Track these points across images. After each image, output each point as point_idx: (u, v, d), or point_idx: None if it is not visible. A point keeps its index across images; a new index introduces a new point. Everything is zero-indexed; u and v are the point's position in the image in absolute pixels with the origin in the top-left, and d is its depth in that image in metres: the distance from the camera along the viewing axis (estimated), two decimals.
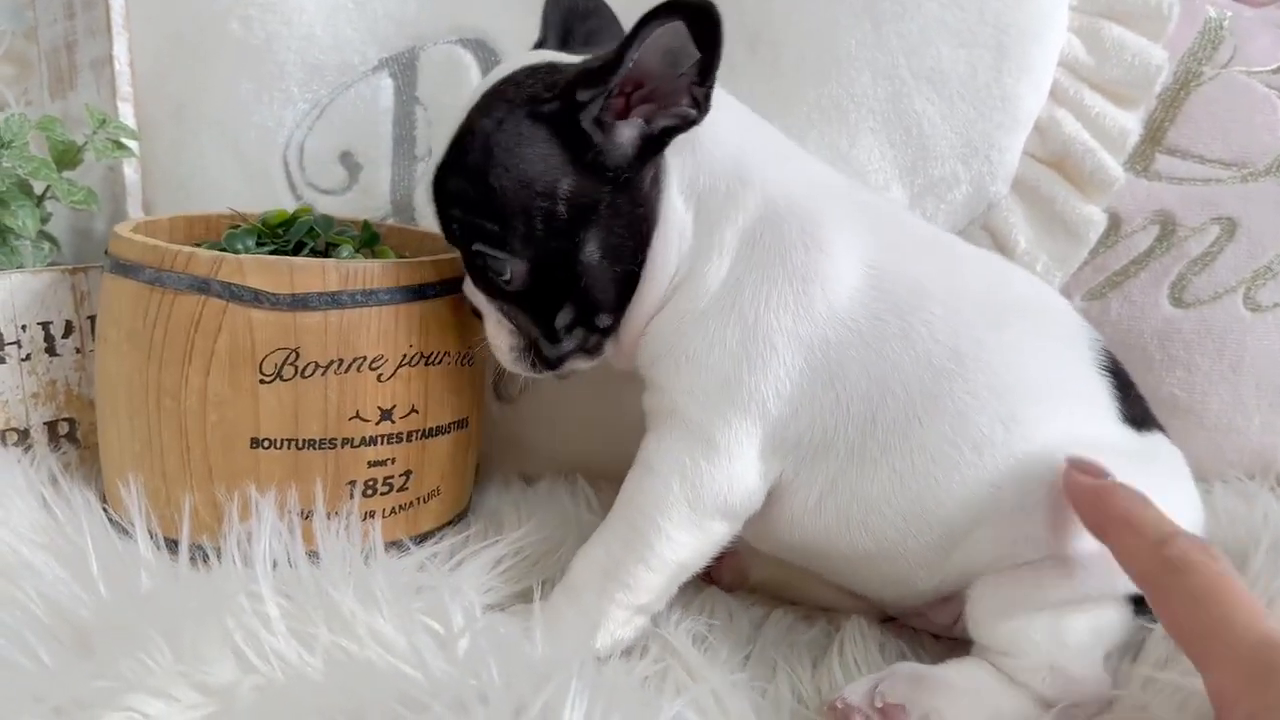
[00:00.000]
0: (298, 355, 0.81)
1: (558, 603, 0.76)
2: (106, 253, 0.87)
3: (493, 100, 0.75)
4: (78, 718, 0.58)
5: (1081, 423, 0.76)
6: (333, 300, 0.81)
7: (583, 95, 0.71)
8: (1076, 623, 0.71)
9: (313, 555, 0.75)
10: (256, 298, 0.80)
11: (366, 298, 0.82)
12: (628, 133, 0.73)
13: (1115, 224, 1.06)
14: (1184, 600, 0.60)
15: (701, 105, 0.73)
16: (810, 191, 0.79)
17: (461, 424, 0.92)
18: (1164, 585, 0.61)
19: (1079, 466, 0.69)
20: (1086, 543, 0.69)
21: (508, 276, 0.76)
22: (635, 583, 0.75)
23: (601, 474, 1.06)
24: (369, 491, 0.86)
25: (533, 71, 0.76)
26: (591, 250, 0.75)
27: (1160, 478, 0.75)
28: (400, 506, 0.88)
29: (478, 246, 0.76)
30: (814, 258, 0.75)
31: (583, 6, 0.87)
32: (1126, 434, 0.78)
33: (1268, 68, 1.09)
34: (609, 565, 0.76)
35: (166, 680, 0.61)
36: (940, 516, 0.74)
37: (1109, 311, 1.06)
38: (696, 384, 0.75)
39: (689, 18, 0.67)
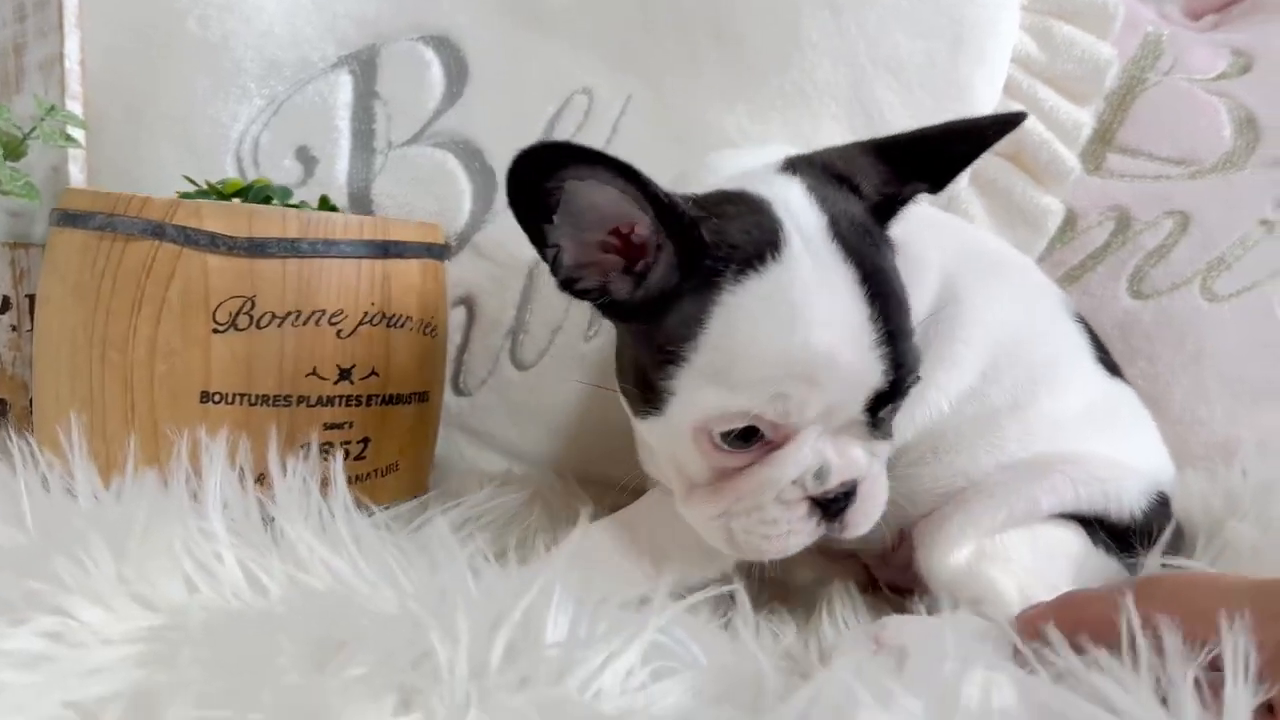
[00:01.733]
0: (253, 304, 0.78)
1: None
2: (53, 211, 0.84)
3: (865, 240, 0.68)
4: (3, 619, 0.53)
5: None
6: (292, 247, 0.79)
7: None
8: (1017, 547, 0.73)
9: (266, 514, 0.70)
10: (213, 241, 0.77)
11: (327, 247, 0.80)
12: None
13: (1071, 220, 1.08)
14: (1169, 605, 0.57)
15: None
16: None
17: (423, 397, 0.89)
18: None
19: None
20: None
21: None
22: None
23: (561, 469, 1.02)
24: (325, 456, 0.81)
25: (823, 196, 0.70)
26: None
27: (1128, 419, 0.83)
28: (357, 476, 0.84)
29: (917, 378, 0.69)
30: None
31: None
32: (1099, 371, 0.83)
33: (1208, 76, 1.13)
34: None
35: (107, 589, 0.56)
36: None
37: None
38: None
39: (991, 135, 0.71)
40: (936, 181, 0.70)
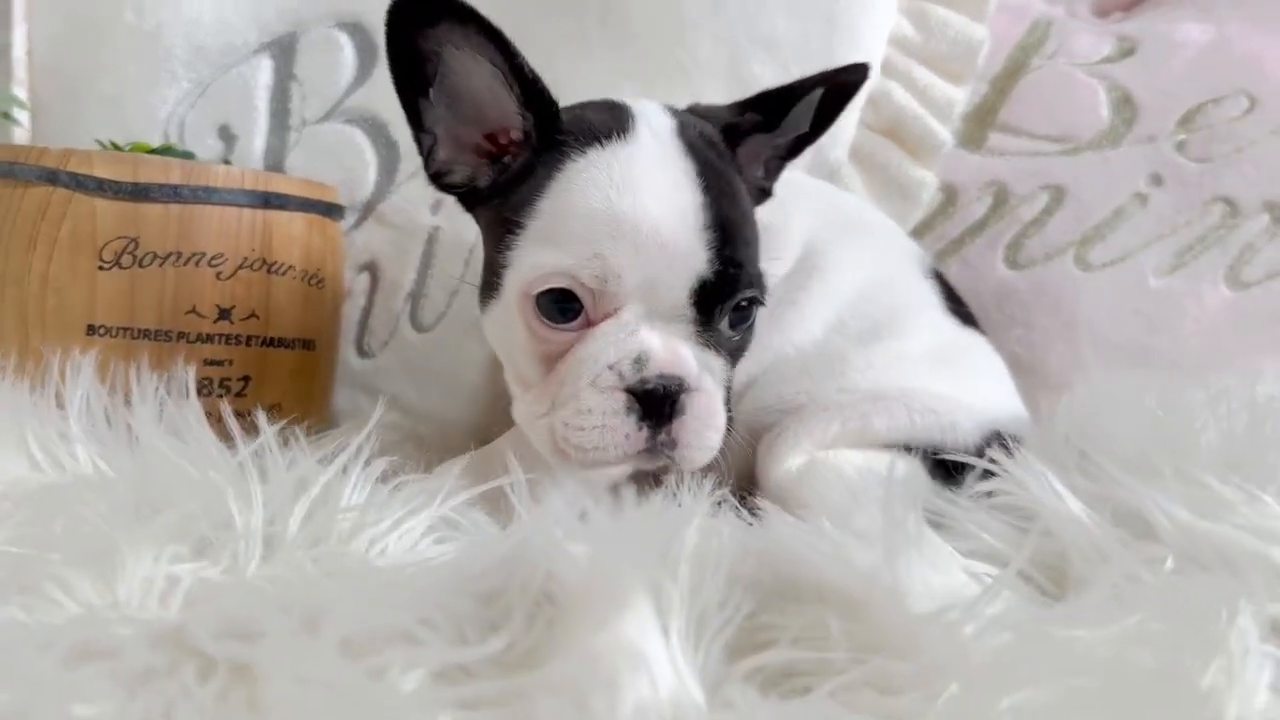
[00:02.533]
0: (137, 245, 0.84)
1: None
2: None
3: (710, 149, 0.73)
4: None
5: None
6: (174, 193, 0.85)
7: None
8: (848, 463, 0.75)
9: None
10: (100, 186, 0.84)
11: (208, 194, 0.86)
12: None
13: (952, 195, 1.13)
14: None
15: (772, 175, 0.79)
16: None
17: (308, 344, 0.94)
18: None
19: None
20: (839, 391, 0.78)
21: (749, 327, 0.74)
22: None
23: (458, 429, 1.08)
24: (204, 391, 0.87)
25: (684, 116, 0.77)
26: None
27: (974, 363, 0.87)
28: (238, 413, 0.89)
29: (752, 293, 0.71)
30: None
31: None
32: (949, 321, 0.87)
33: (1091, 60, 1.18)
34: None
35: None
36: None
37: (949, 272, 1.11)
38: None
39: (835, 87, 0.75)
40: (772, 118, 0.76)
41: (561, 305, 0.67)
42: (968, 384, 0.85)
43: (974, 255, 1.12)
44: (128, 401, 0.77)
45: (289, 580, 0.54)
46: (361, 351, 1.11)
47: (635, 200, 0.65)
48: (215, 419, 0.77)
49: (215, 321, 0.87)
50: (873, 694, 0.43)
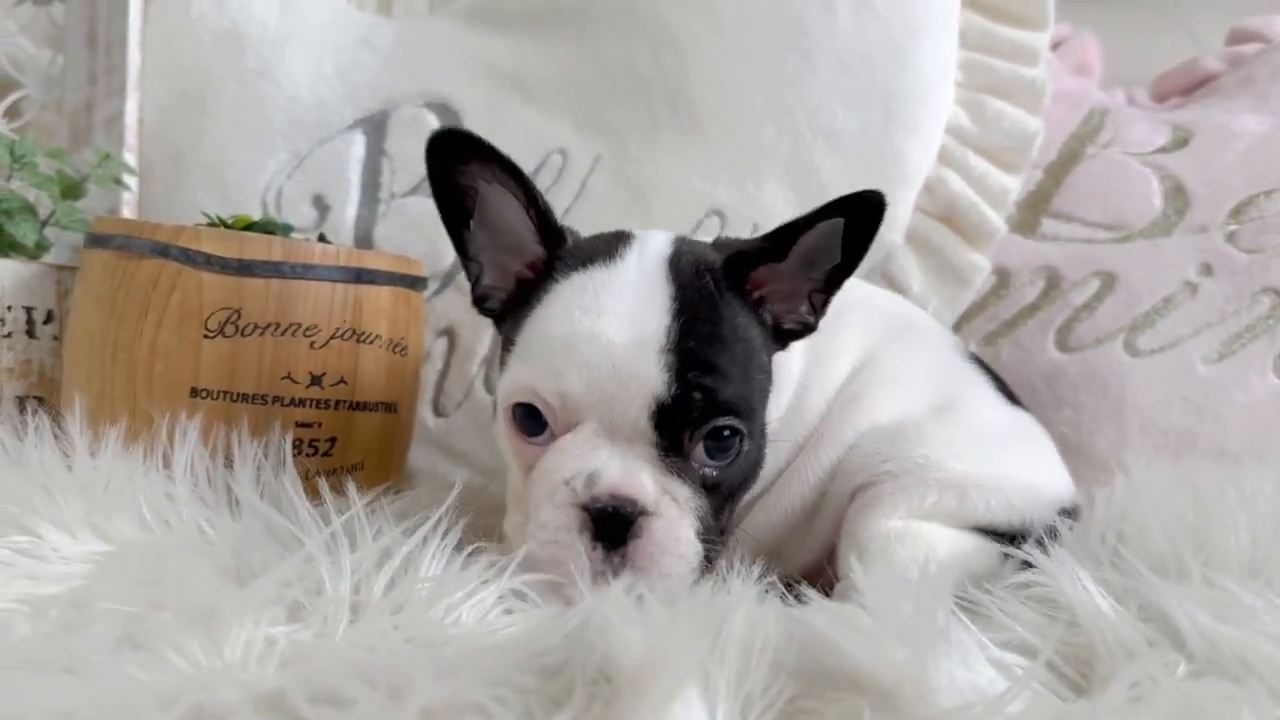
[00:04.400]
0: (239, 315, 0.91)
1: None
2: (86, 235, 0.99)
3: (701, 277, 0.73)
4: None
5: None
6: (275, 269, 0.92)
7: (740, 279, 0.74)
8: (939, 539, 0.78)
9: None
10: (208, 261, 0.91)
11: (306, 270, 0.93)
12: (767, 319, 0.77)
13: (1005, 278, 1.17)
14: None
15: (818, 312, 0.77)
16: None
17: (390, 408, 1.01)
18: None
19: None
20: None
21: (735, 458, 0.72)
22: None
23: None
24: (296, 450, 0.93)
25: (686, 245, 0.77)
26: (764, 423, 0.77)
27: (1032, 441, 0.90)
28: (327, 471, 0.96)
29: (727, 421, 0.70)
30: None
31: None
32: (1001, 398, 0.91)
33: (1145, 150, 1.22)
34: None
35: (72, 521, 0.69)
36: None
37: (1000, 356, 1.15)
38: None
39: (855, 215, 0.71)
40: (781, 248, 0.73)
41: (531, 419, 0.70)
42: (1044, 468, 0.88)
43: (1025, 337, 1.16)
44: (228, 463, 0.85)
45: (374, 646, 0.60)
46: (437, 411, 1.18)
47: (595, 321, 0.68)
48: (304, 477, 0.85)
49: (307, 387, 0.94)
50: None
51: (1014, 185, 1.15)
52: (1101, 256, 1.16)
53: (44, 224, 1.17)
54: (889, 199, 1.04)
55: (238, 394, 0.92)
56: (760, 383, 0.74)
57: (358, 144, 1.24)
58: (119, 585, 0.64)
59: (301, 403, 0.94)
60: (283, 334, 0.93)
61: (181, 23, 1.30)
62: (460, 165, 0.72)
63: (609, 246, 0.74)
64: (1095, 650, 0.60)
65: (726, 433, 0.70)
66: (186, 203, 1.24)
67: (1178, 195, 1.18)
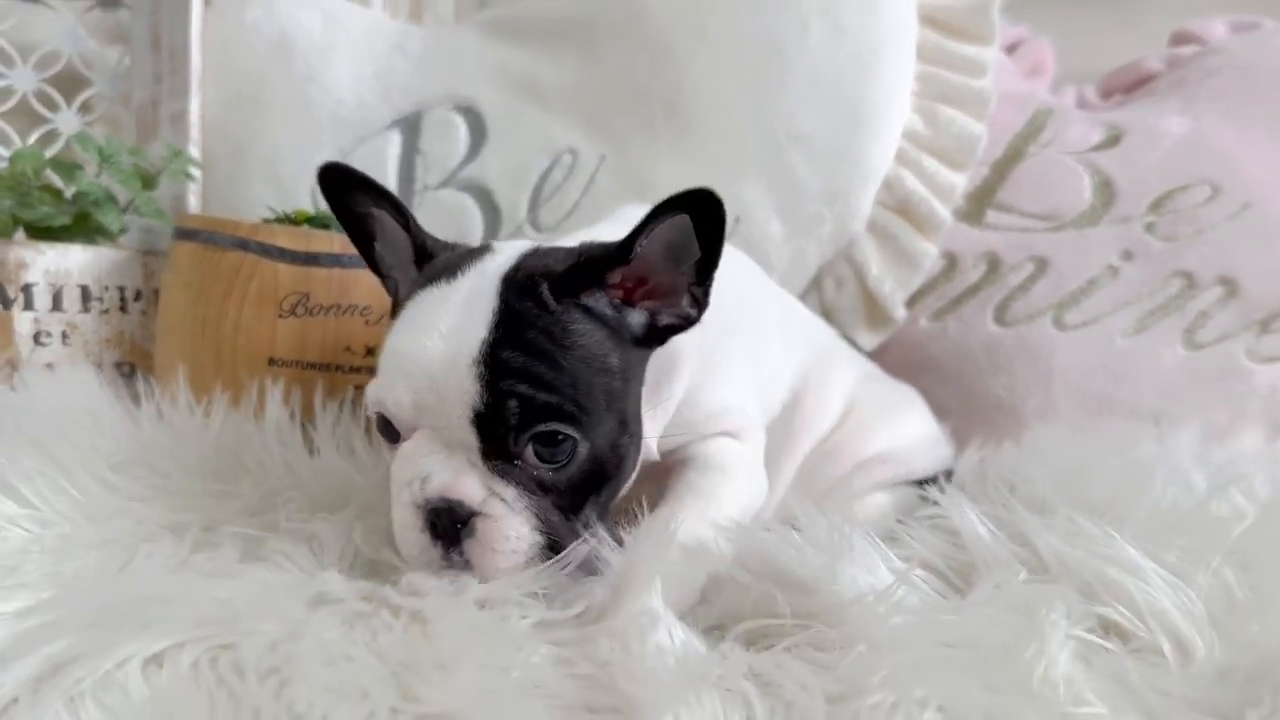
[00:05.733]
0: (308, 299, 1.11)
1: None
2: (175, 229, 1.19)
3: (535, 288, 0.75)
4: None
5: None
6: (336, 260, 1.12)
7: (587, 285, 0.76)
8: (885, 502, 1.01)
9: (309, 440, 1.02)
10: (281, 254, 1.10)
11: (360, 261, 1.12)
12: (637, 318, 0.78)
13: (953, 262, 1.36)
14: None
15: (700, 303, 0.79)
16: None
17: None
18: None
19: None
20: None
21: (569, 459, 0.74)
22: None
23: None
24: (355, 407, 1.13)
25: (534, 257, 0.79)
26: (631, 419, 0.79)
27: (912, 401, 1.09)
28: None
29: (550, 426, 0.73)
30: None
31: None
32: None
33: (1081, 149, 1.40)
34: None
35: (189, 470, 0.89)
36: None
37: (948, 329, 1.35)
38: None
39: (696, 211, 0.72)
40: (625, 250, 0.75)
41: (387, 426, 0.76)
42: (937, 431, 1.09)
43: (968, 313, 1.35)
44: (306, 416, 1.05)
45: None
46: None
47: (416, 337, 0.72)
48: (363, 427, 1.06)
49: (364, 356, 1.13)
50: (810, 650, 0.68)
51: (960, 182, 1.33)
52: (1036, 244, 1.35)
53: (124, 211, 1.37)
54: (853, 195, 1.26)
55: (307, 363, 1.11)
56: (603, 384, 0.75)
57: (394, 142, 1.42)
58: (239, 514, 0.84)
59: (359, 369, 1.14)
60: (343, 313, 1.12)
61: (236, 29, 1.48)
62: (349, 194, 0.78)
63: (457, 263, 0.77)
64: (975, 565, 0.80)
65: (559, 437, 0.73)
66: (245, 193, 1.43)
67: (1106, 190, 1.36)
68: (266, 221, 1.21)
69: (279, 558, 0.78)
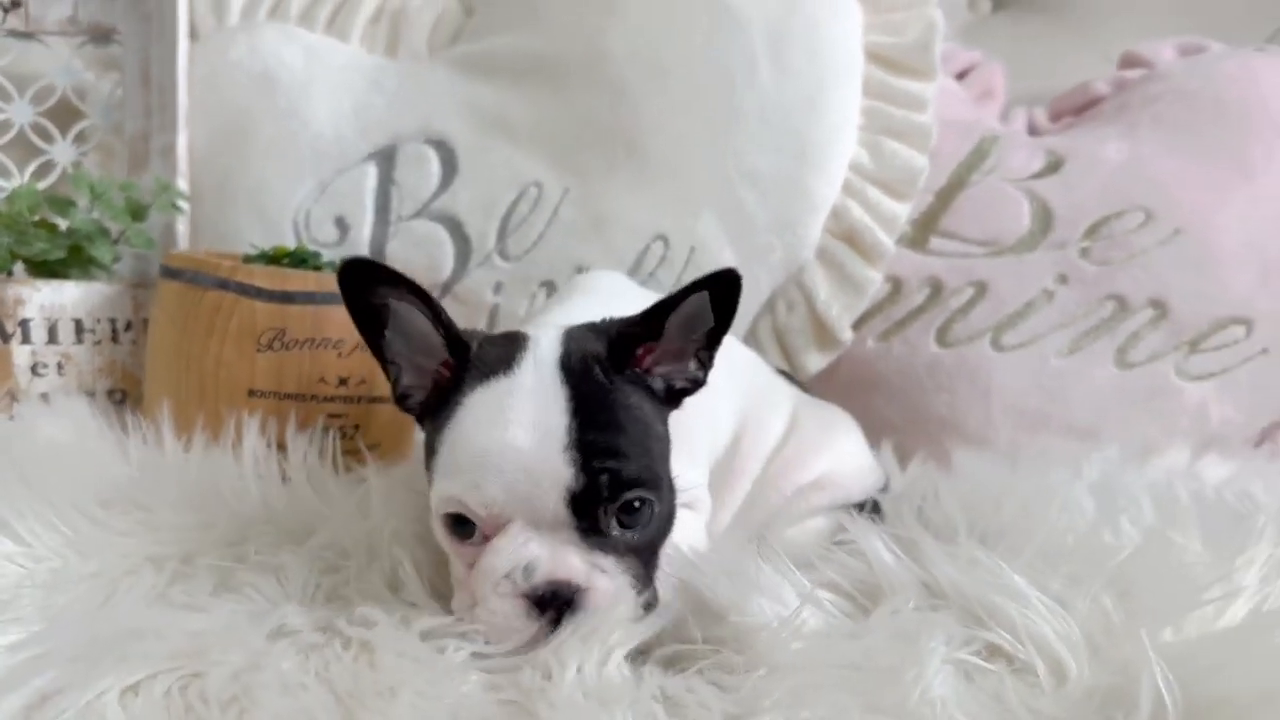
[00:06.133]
0: (284, 334, 1.19)
1: None
2: (161, 265, 1.27)
3: (590, 370, 0.80)
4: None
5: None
6: (310, 297, 1.20)
7: (626, 361, 0.82)
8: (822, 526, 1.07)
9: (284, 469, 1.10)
10: (259, 292, 1.19)
11: (333, 298, 1.20)
12: (658, 384, 0.84)
13: (898, 286, 1.44)
14: None
15: (706, 367, 0.85)
16: None
17: None
18: None
19: None
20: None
21: (649, 522, 0.80)
22: None
23: None
24: (326, 434, 1.22)
25: (575, 341, 0.83)
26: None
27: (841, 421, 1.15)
28: (350, 451, 1.25)
29: (634, 494, 0.78)
30: None
31: None
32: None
33: (1022, 176, 1.47)
34: None
35: (170, 500, 0.98)
36: None
37: (893, 350, 1.43)
38: None
39: (717, 288, 0.79)
40: (656, 327, 0.82)
41: (462, 525, 0.79)
42: (868, 455, 1.17)
43: (912, 335, 1.43)
44: (280, 447, 1.13)
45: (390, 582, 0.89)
46: None
47: (504, 433, 0.75)
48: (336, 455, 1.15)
49: (336, 387, 1.22)
50: (719, 673, 0.76)
51: (903, 212, 1.41)
52: (976, 268, 1.43)
53: (115, 242, 1.45)
54: (802, 225, 1.34)
55: (284, 393, 1.20)
56: (659, 449, 0.82)
57: (371, 175, 1.50)
58: (213, 546, 0.93)
59: (332, 399, 1.22)
60: (317, 347, 1.20)
61: (222, 66, 1.56)
62: (372, 288, 0.81)
63: (508, 354, 0.81)
64: (881, 588, 0.89)
65: (636, 504, 0.78)
66: (232, 223, 1.51)
67: (1044, 216, 1.44)
68: (248, 259, 1.29)
69: (248, 589, 0.86)
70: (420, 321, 0.81)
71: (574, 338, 0.83)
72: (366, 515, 0.96)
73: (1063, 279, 1.42)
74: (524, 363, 0.79)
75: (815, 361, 1.42)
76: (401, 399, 0.85)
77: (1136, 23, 1.92)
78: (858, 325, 1.44)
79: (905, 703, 0.72)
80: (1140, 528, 0.96)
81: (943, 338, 1.42)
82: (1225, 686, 0.71)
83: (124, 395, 1.37)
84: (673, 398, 0.85)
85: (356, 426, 1.25)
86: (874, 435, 1.32)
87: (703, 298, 0.80)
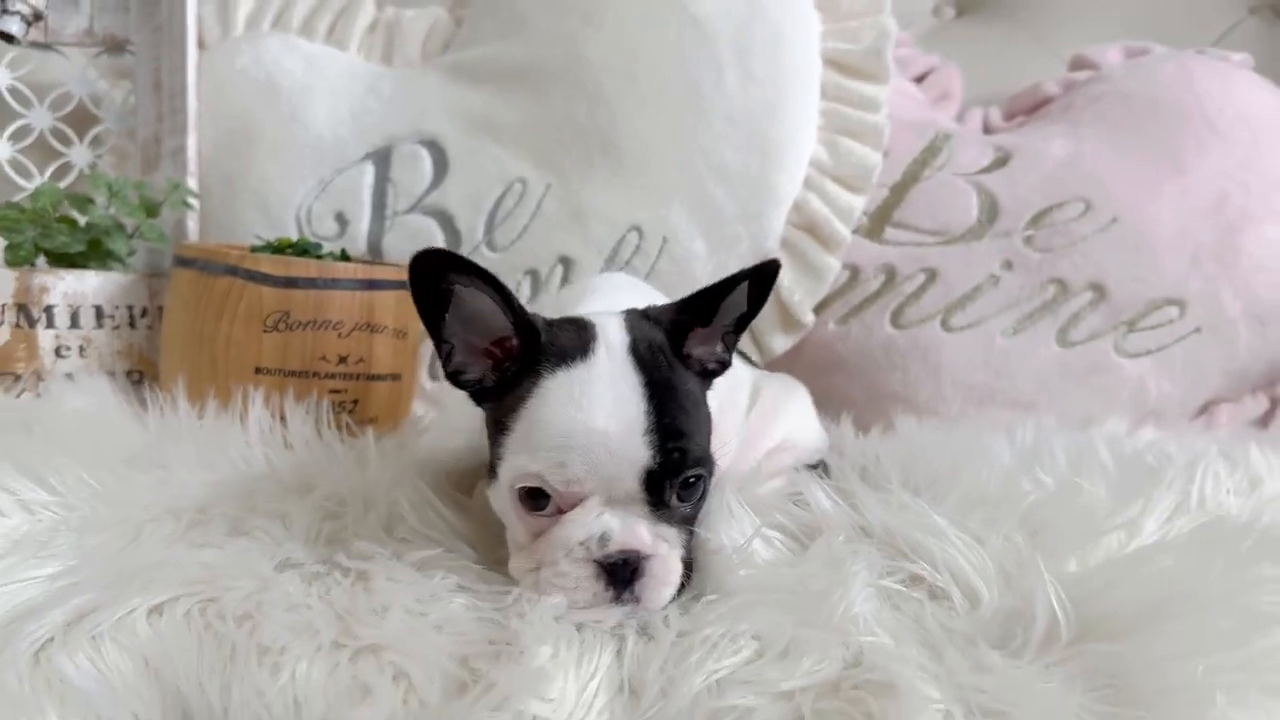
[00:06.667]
0: (289, 316, 1.30)
1: None
2: (174, 256, 1.38)
3: (656, 357, 0.87)
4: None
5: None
6: (312, 283, 1.31)
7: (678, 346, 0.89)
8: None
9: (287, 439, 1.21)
10: (265, 278, 1.30)
11: (334, 284, 1.32)
12: (696, 366, 0.91)
13: (856, 273, 1.55)
14: None
15: (730, 350, 0.93)
16: None
17: (396, 377, 1.40)
18: None
19: None
20: None
21: (702, 495, 0.89)
22: None
23: None
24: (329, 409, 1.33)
25: (635, 328, 0.89)
26: None
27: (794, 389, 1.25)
28: (349, 424, 1.36)
29: (695, 471, 0.85)
30: None
31: None
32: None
33: (971, 171, 1.59)
34: None
35: (186, 460, 1.09)
36: None
37: (851, 332, 1.54)
38: None
39: (757, 279, 0.87)
40: (707, 313, 0.89)
41: (537, 497, 0.84)
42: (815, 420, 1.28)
43: (869, 318, 1.54)
44: (283, 419, 1.24)
45: (390, 528, 1.00)
46: (431, 376, 1.57)
47: (589, 416, 0.81)
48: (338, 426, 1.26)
49: (337, 364, 1.33)
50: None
51: (859, 204, 1.52)
52: (928, 256, 1.54)
53: (130, 237, 1.56)
54: (766, 217, 1.46)
55: (288, 371, 1.31)
56: (708, 428, 0.90)
57: (368, 173, 1.62)
58: (225, 499, 1.04)
59: (333, 376, 1.33)
60: (319, 328, 1.31)
61: (228, 74, 1.67)
62: (444, 274, 0.84)
63: (580, 340, 0.86)
64: (820, 528, 1.00)
65: (693, 479, 0.86)
66: (238, 220, 1.63)
67: (991, 208, 1.55)
68: (254, 249, 1.41)
69: (257, 532, 0.97)
70: (482, 303, 0.85)
71: (633, 326, 0.89)
72: (364, 468, 1.07)
73: (1008, 265, 1.53)
74: (597, 349, 0.85)
75: (780, 343, 1.53)
76: (454, 375, 0.90)
77: (1092, 28, 2.01)
78: (819, 309, 1.55)
79: (831, 619, 0.82)
80: (1054, 477, 1.07)
81: (897, 320, 1.53)
82: (1113, 604, 0.82)
83: (141, 376, 1.48)
84: (705, 377, 0.93)
85: (355, 401, 1.36)
86: (834, 410, 1.45)
87: (743, 287, 0.87)
